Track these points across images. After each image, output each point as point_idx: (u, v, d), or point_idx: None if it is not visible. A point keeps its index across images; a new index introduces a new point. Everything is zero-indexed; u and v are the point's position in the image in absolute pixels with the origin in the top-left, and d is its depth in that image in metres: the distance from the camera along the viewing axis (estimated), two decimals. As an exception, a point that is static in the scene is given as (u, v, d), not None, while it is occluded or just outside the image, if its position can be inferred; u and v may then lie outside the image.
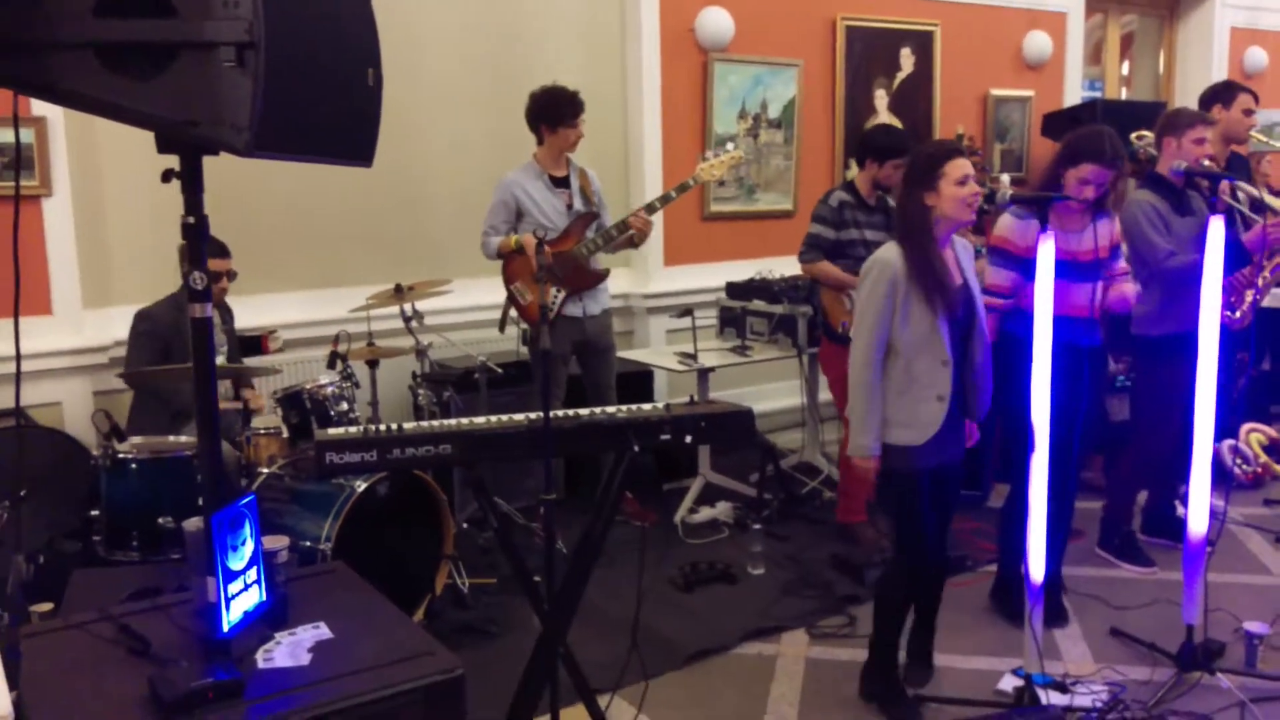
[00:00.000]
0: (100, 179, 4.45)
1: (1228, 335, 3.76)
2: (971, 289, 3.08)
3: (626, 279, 5.88)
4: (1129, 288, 3.65)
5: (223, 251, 4.02)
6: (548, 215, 4.49)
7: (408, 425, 2.56)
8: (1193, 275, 3.82)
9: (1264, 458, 5.31)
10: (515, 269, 4.46)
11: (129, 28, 1.73)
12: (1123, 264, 3.66)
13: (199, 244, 2.02)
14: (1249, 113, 4.49)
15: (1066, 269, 3.44)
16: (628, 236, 4.52)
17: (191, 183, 2.01)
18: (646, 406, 2.82)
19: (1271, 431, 5.49)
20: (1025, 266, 3.41)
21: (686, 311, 4.82)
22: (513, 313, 4.55)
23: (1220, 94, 4.59)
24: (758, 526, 4.43)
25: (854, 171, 4.66)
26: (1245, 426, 5.45)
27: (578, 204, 4.57)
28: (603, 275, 4.60)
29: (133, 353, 3.97)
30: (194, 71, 1.74)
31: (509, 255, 4.45)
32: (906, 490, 3.06)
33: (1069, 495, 3.67)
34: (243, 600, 2.11)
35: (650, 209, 4.51)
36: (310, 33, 1.98)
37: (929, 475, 3.07)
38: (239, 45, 1.72)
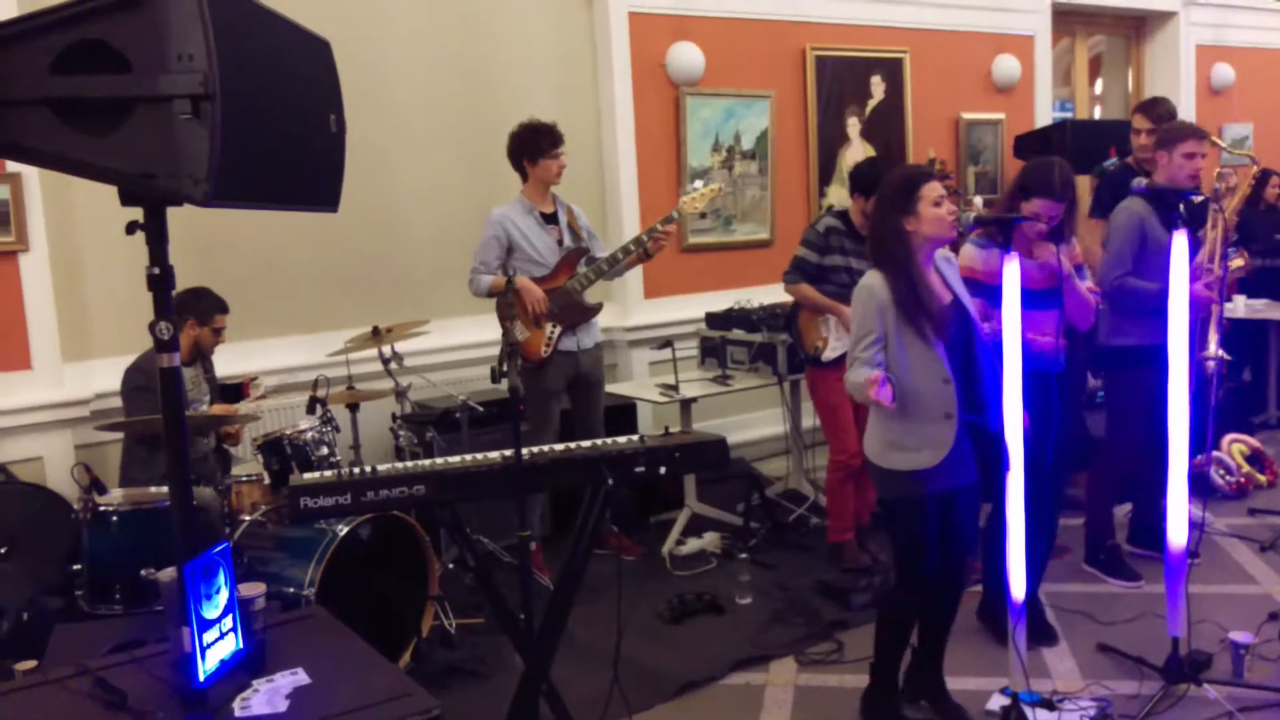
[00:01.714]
0: (77, 232, 4.47)
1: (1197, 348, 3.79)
2: (964, 306, 3.09)
3: (607, 312, 5.85)
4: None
5: (224, 308, 4.09)
6: (539, 251, 4.52)
7: (381, 467, 2.57)
8: (1136, 300, 3.86)
9: (1246, 468, 5.33)
10: (510, 307, 4.48)
11: (85, 83, 1.76)
12: (1089, 283, 3.68)
13: (164, 294, 2.04)
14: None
15: (1028, 297, 3.47)
16: (641, 251, 4.53)
17: (156, 234, 2.03)
18: (621, 439, 2.83)
19: (1253, 441, 5.52)
20: (991, 293, 3.44)
21: (667, 343, 4.84)
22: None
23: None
24: (744, 556, 4.43)
25: (830, 199, 4.71)
26: (1227, 437, 5.48)
27: (567, 240, 4.61)
28: (596, 309, 4.63)
29: (132, 408, 3.93)
30: (150, 125, 1.76)
31: (502, 294, 4.47)
32: (911, 519, 3.02)
33: (1046, 514, 3.68)
34: (219, 649, 2.10)
35: (667, 221, 4.55)
36: (268, 82, 2.01)
37: (938, 502, 3.02)
38: (194, 97, 1.75)
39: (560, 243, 4.59)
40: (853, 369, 2.99)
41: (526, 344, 4.48)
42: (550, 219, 4.61)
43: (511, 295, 4.37)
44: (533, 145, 4.51)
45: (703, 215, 5.95)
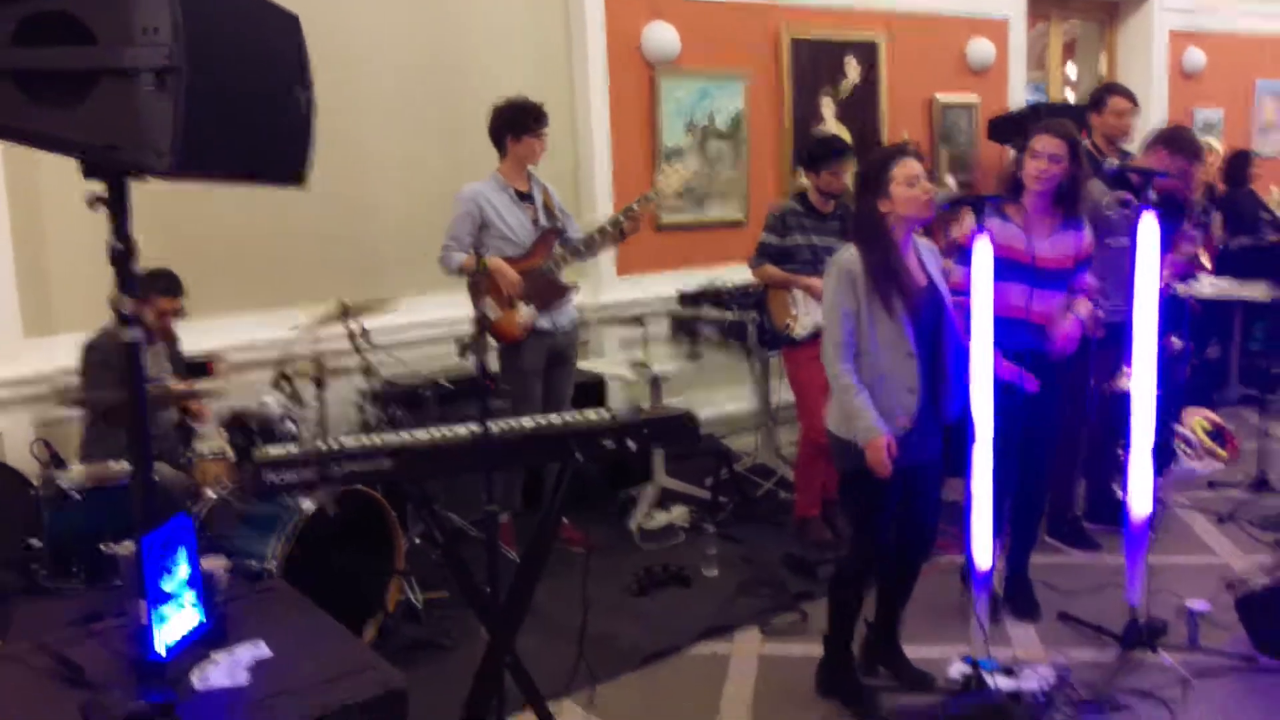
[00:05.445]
0: (39, 206, 4.41)
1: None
2: (938, 290, 3.13)
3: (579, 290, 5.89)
4: (1074, 314, 3.61)
5: (177, 289, 4.01)
6: (513, 229, 4.46)
7: (347, 441, 2.57)
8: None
9: (1208, 442, 5.42)
10: (483, 287, 4.44)
11: (49, 55, 1.74)
12: (1087, 277, 3.66)
13: (126, 269, 2.03)
14: (1120, 114, 4.47)
15: (1032, 274, 3.50)
16: (617, 232, 4.48)
17: (118, 208, 2.01)
18: (590, 414, 2.82)
19: (1214, 416, 5.61)
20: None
21: (638, 320, 4.85)
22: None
23: (1095, 101, 4.62)
24: (712, 530, 4.46)
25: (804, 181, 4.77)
26: (1189, 411, 5.56)
27: (543, 219, 4.55)
28: (572, 288, 4.60)
29: (90, 385, 3.88)
30: (114, 97, 1.75)
31: (475, 275, 4.41)
32: (870, 491, 3.06)
33: (1035, 491, 3.75)
34: (178, 622, 2.11)
35: (645, 201, 4.51)
36: (235, 55, 1.99)
37: (896, 475, 3.05)
38: (159, 70, 1.73)
39: (535, 221, 4.54)
40: (830, 354, 3.04)
41: (499, 324, 4.43)
42: (525, 197, 4.55)
43: (483, 275, 4.34)
44: (520, 122, 4.45)
45: (679, 196, 5.94)
